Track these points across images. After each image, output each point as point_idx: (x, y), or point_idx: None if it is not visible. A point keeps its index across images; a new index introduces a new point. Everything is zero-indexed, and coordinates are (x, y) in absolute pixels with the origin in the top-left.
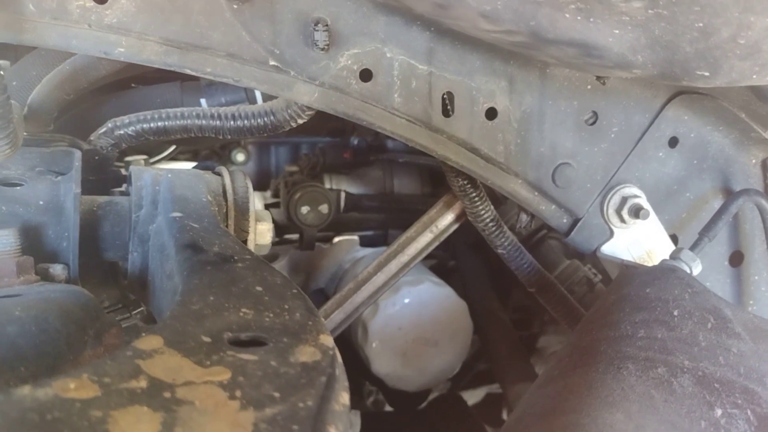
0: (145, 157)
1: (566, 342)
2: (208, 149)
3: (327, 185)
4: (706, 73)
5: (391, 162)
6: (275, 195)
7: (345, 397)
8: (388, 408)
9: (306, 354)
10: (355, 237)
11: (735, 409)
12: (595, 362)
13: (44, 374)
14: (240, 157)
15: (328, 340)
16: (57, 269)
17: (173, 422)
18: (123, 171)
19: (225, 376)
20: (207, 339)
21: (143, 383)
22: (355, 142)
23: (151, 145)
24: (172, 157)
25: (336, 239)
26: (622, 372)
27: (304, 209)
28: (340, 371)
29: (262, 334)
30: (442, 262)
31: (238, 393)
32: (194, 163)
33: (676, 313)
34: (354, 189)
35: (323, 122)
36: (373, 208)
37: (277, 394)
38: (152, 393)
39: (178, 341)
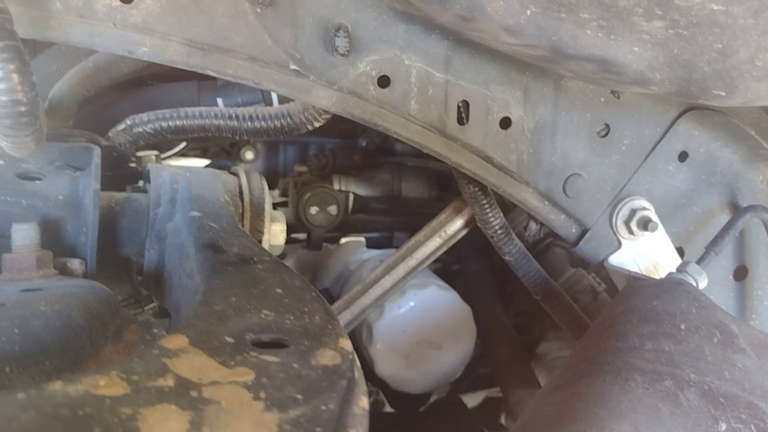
0: (156, 152)
1: (573, 350)
2: (217, 146)
3: (336, 186)
4: (723, 93)
5: (400, 165)
6: (283, 194)
7: (364, 401)
8: (388, 409)
9: (326, 357)
10: (362, 238)
11: (739, 424)
12: (602, 372)
13: (67, 369)
14: (249, 155)
15: (347, 344)
16: (75, 264)
17: (201, 421)
18: (133, 165)
19: (249, 377)
20: (230, 340)
21: (170, 382)
22: (364, 143)
23: (161, 141)
24: (183, 154)
25: (343, 240)
26: (630, 383)
27: (313, 210)
28: (359, 375)
29: (283, 336)
30: (446, 265)
31: (262, 394)
32: (203, 160)
33: (683, 326)
34: (362, 191)
35: (334, 124)
36: (380, 211)
37: (299, 397)
38: (179, 392)
39: (202, 341)
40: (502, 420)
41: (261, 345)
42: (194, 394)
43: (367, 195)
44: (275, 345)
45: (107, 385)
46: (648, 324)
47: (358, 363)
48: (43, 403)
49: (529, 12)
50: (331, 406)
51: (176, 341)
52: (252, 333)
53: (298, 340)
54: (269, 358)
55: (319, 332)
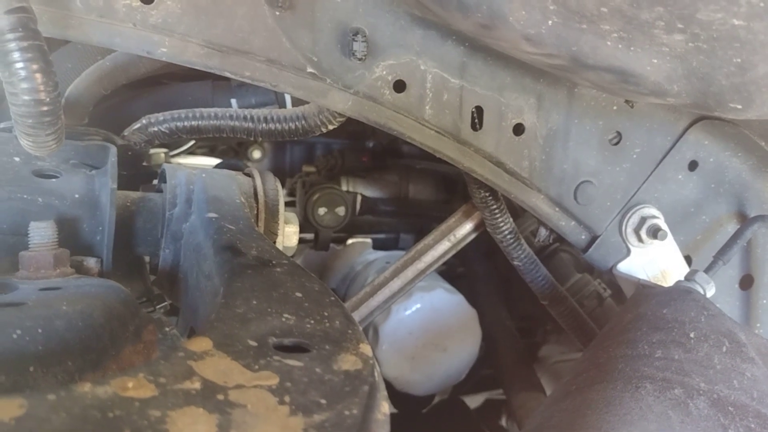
0: (165, 150)
1: (582, 357)
2: (225, 145)
3: (344, 187)
4: (739, 106)
5: (408, 167)
6: (290, 194)
7: (386, 407)
8: (390, 409)
9: (348, 362)
10: (368, 240)
11: None
12: (613, 379)
13: (89, 369)
14: (256, 154)
15: (367, 349)
16: (91, 262)
17: (228, 425)
18: (145, 164)
19: (273, 381)
20: (253, 343)
21: (197, 385)
22: (371, 144)
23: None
24: (191, 151)
25: (349, 241)
26: (640, 391)
27: (322, 210)
28: (379, 380)
29: (305, 340)
30: (451, 268)
31: (286, 398)
32: (212, 158)
33: (692, 335)
34: (370, 192)
35: (342, 125)
36: (387, 212)
37: (323, 401)
38: (206, 395)
39: (226, 344)
40: (503, 422)
41: (283, 349)
42: (220, 397)
43: (375, 196)
44: (297, 349)
45: (135, 387)
46: (658, 332)
47: (378, 368)
48: (73, 404)
49: (550, 22)
50: (354, 412)
51: (201, 344)
52: (274, 337)
53: (319, 344)
54: (292, 362)
55: (339, 337)
